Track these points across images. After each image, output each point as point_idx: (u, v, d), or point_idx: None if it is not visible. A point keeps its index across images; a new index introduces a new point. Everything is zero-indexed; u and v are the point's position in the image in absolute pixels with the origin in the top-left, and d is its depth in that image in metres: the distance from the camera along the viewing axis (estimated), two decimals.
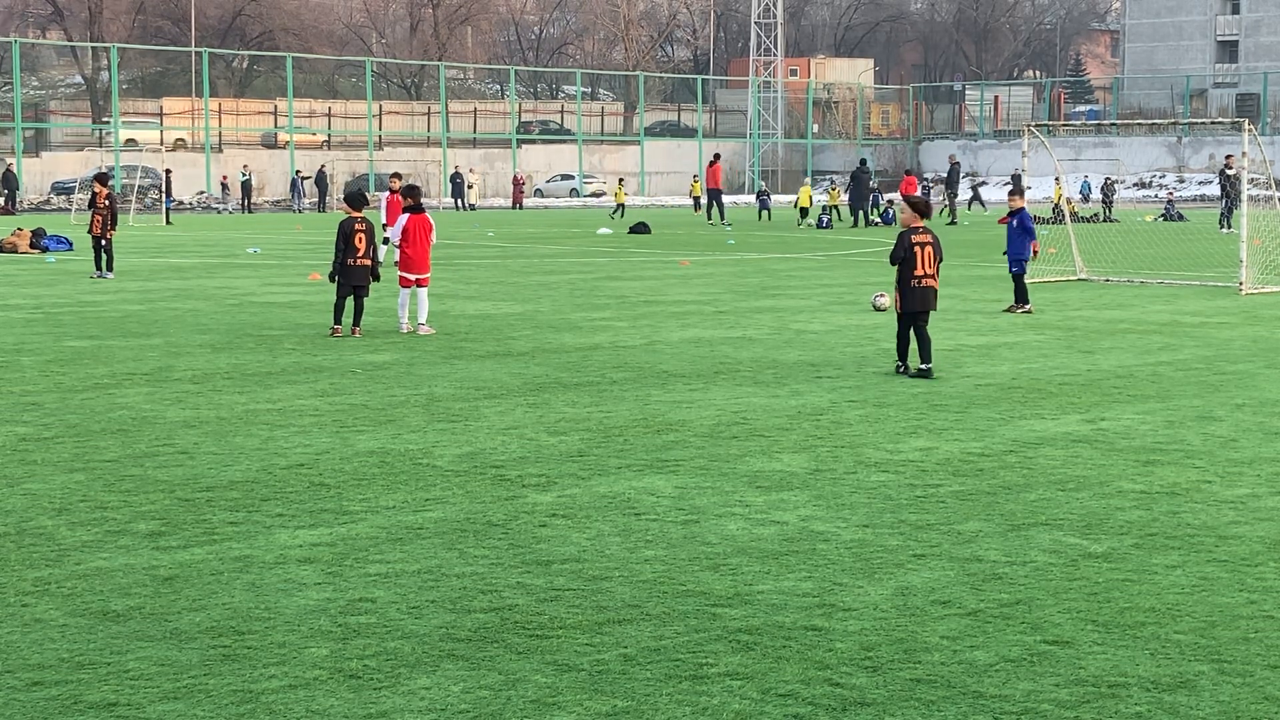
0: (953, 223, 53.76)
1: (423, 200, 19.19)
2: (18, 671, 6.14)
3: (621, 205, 64.76)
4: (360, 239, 18.17)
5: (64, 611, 6.95)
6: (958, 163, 61.22)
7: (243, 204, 70.34)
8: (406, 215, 18.77)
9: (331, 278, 18.33)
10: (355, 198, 18.81)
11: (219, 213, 69.63)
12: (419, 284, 18.61)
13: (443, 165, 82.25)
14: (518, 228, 53.39)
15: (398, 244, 18.94)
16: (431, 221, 18.83)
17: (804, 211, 55.95)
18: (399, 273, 18.83)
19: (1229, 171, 48.13)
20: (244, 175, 71.79)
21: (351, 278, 18.19)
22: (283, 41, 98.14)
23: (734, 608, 7.03)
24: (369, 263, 18.28)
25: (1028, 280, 22.11)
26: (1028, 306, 21.57)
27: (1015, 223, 21.67)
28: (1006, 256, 21.97)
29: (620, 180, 73.74)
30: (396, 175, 29.98)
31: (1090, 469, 10.28)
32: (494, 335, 18.51)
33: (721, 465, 10.39)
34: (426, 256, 18.69)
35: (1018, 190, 22.44)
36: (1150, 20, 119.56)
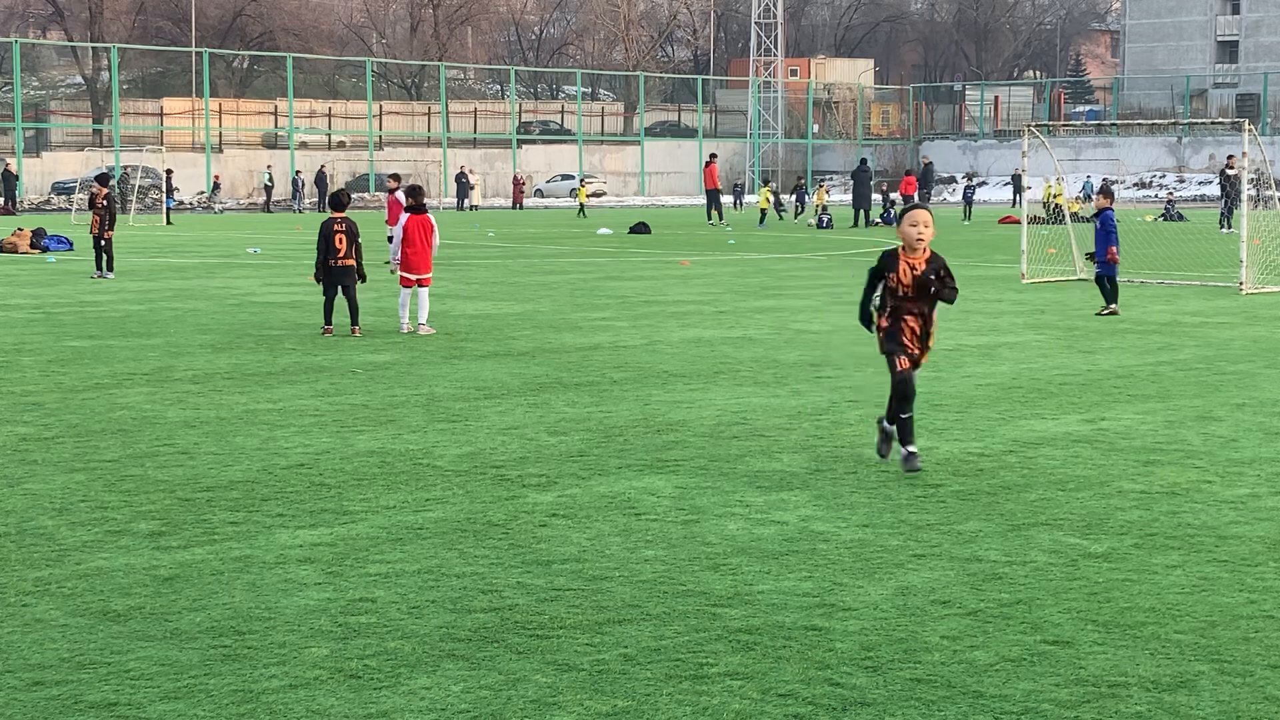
0: None
1: (423, 200, 19.22)
2: (18, 671, 6.14)
3: (582, 206, 65.42)
4: (340, 239, 18.32)
5: (64, 611, 6.95)
6: (930, 162, 61.62)
7: (265, 204, 71.52)
8: (407, 215, 18.85)
9: (316, 278, 18.53)
10: (336, 198, 19.02)
11: (218, 212, 69.64)
12: (420, 284, 18.64)
13: (443, 165, 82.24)
14: (518, 228, 53.39)
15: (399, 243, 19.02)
16: (433, 222, 18.88)
17: (763, 214, 55.98)
18: (400, 273, 18.90)
19: (1229, 172, 48.16)
20: (268, 178, 72.53)
21: (335, 278, 18.35)
22: (283, 41, 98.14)
23: (734, 608, 7.03)
24: (352, 262, 18.38)
25: (1030, 280, 22.05)
26: (1113, 307, 21.11)
27: (1099, 224, 21.49)
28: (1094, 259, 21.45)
29: (582, 180, 74.58)
30: (395, 176, 30.07)
31: (1090, 469, 10.28)
32: (494, 335, 18.52)
33: (721, 465, 10.39)
34: (427, 257, 18.72)
35: (1104, 191, 22.23)
36: (1150, 20, 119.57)
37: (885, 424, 10.29)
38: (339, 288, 18.38)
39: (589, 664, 6.23)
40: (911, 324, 10.11)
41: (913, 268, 10.02)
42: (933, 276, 10.03)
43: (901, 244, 10.08)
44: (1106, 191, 22.22)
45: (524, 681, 6.02)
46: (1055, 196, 49.89)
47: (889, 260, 10.14)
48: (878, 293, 10.30)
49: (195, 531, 8.46)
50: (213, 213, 68.63)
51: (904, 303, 10.07)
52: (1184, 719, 5.67)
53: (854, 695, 5.88)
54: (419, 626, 6.73)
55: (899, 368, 10.05)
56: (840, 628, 6.72)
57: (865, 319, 10.40)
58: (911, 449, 10.07)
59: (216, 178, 72.92)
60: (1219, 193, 53.64)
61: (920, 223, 10.02)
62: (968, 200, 62.14)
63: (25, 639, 6.55)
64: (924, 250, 10.06)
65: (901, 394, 10.00)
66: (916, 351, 10.14)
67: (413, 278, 18.68)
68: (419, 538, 8.33)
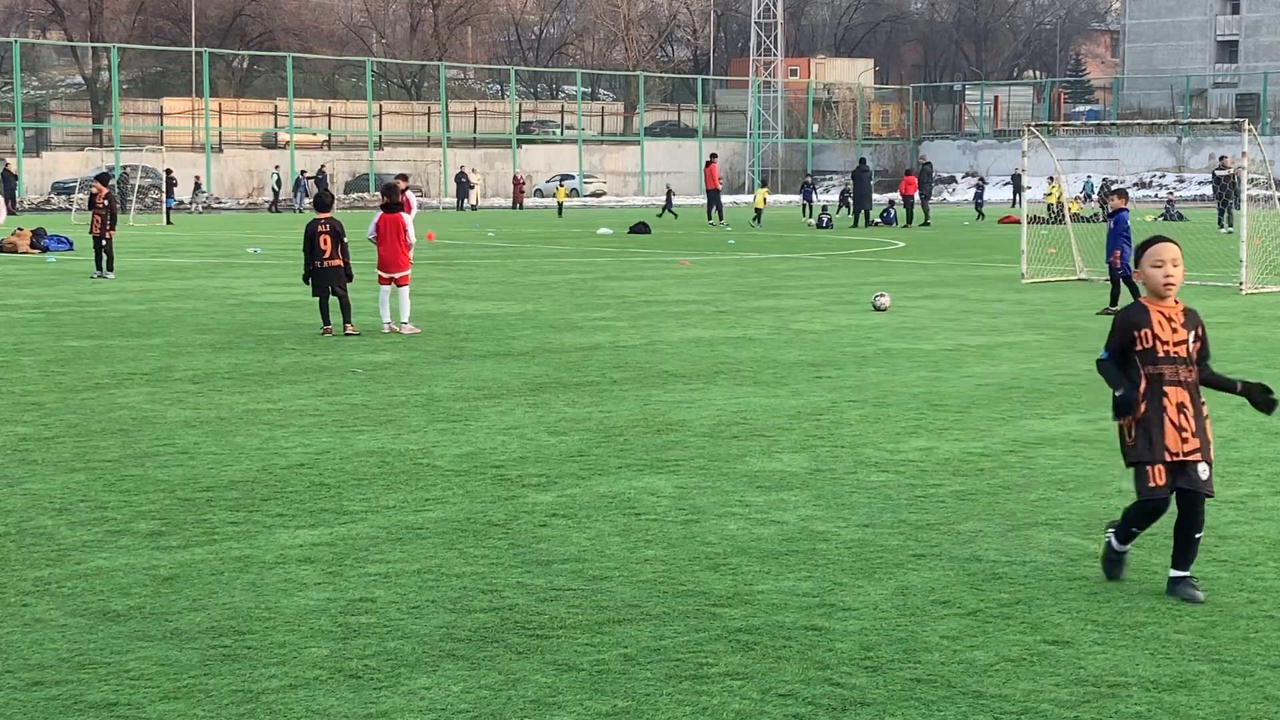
0: (926, 224, 53.83)
1: (421, 200, 19.26)
2: (18, 671, 6.14)
3: (561, 204, 66.27)
4: (325, 240, 18.39)
5: (64, 611, 6.95)
6: (928, 162, 62.01)
7: (272, 204, 72.05)
8: (379, 214, 18.99)
9: (305, 280, 18.61)
10: (320, 200, 19.10)
11: (194, 212, 69.36)
12: (397, 283, 18.70)
13: (443, 165, 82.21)
14: (518, 228, 53.38)
15: (370, 240, 19.10)
16: (405, 221, 18.90)
17: (758, 213, 56.05)
18: (377, 271, 19.01)
19: (1220, 173, 48.18)
20: (275, 180, 72.88)
21: (322, 279, 18.42)
22: (283, 41, 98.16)
23: (734, 608, 7.03)
24: (338, 263, 18.43)
25: (1030, 280, 22.02)
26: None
27: (1112, 224, 21.42)
28: (1119, 260, 21.16)
29: (560, 179, 75.52)
30: (403, 176, 30.14)
31: (1090, 469, 10.28)
32: (494, 335, 18.52)
33: (721, 465, 10.39)
34: (401, 255, 18.76)
35: (1120, 192, 22.14)
36: (1150, 20, 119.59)
37: (1114, 541, 7.53)
38: (329, 288, 18.44)
39: (589, 664, 6.23)
40: (1178, 399, 7.19)
41: (1169, 319, 7.32)
42: (1195, 338, 7.34)
43: (1145, 292, 7.44)
44: (1122, 193, 22.14)
45: (524, 681, 6.02)
46: (1049, 196, 49.98)
47: (1134, 316, 7.33)
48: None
49: (195, 531, 8.46)
50: (192, 213, 68.43)
51: (1165, 367, 7.22)
52: (1184, 719, 5.67)
53: (854, 695, 5.88)
54: (419, 626, 6.73)
55: (1150, 484, 7.18)
56: (840, 628, 6.72)
57: (1123, 404, 7.24)
58: (1181, 574, 7.23)
59: (197, 178, 73.02)
60: (1211, 194, 53.68)
61: (1169, 260, 7.34)
62: (978, 201, 63.02)
63: (25, 639, 6.55)
64: (1174, 299, 7.41)
65: (1146, 514, 7.32)
66: (1192, 444, 7.16)
67: (387, 276, 18.75)
68: (419, 538, 8.33)
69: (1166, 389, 7.19)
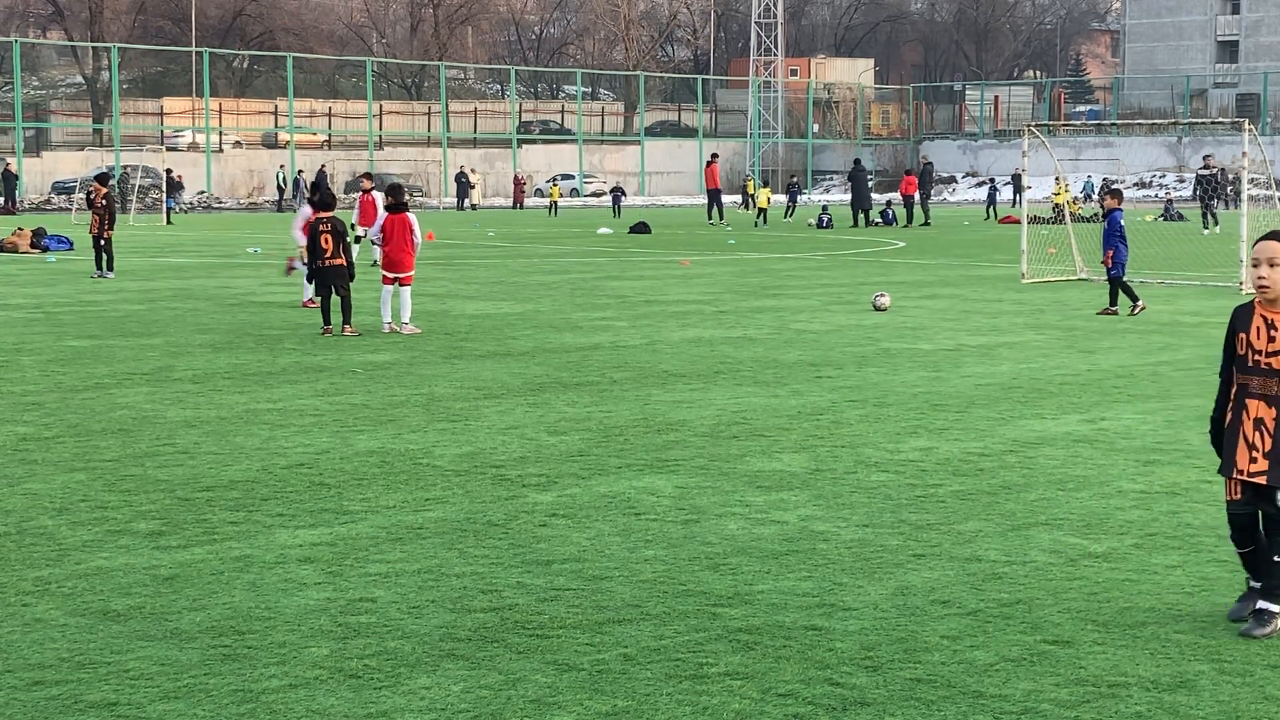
0: (926, 224, 53.85)
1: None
2: (18, 671, 6.14)
3: (554, 203, 66.86)
4: (326, 239, 18.39)
5: (64, 611, 6.95)
6: (929, 162, 62.26)
7: (277, 203, 72.73)
8: (385, 214, 18.99)
9: (308, 280, 18.71)
10: (322, 199, 19.15)
11: (184, 211, 69.10)
12: (400, 283, 18.71)
13: (443, 165, 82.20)
14: (518, 227, 53.38)
15: (374, 241, 19.08)
16: (412, 221, 18.88)
17: (762, 213, 56.06)
18: (381, 270, 19.02)
19: (1203, 172, 48.03)
20: (280, 180, 73.02)
21: (324, 278, 18.42)
22: (283, 41, 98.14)
23: (734, 608, 7.03)
24: (341, 262, 18.43)
25: (1030, 280, 22.00)
26: (1140, 304, 20.90)
27: (1106, 225, 21.40)
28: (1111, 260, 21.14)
29: (554, 180, 76.36)
30: (367, 175, 30.18)
31: (1090, 469, 10.28)
32: (494, 335, 18.52)
33: (721, 465, 10.39)
34: (407, 255, 18.77)
35: (1114, 192, 22.06)
36: (1150, 20, 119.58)
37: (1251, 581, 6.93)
38: (331, 288, 18.43)
39: (589, 664, 6.23)
40: (1258, 414, 6.65)
41: (1271, 326, 6.65)
42: None
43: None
44: (1116, 193, 22.10)
45: (524, 681, 6.02)
46: (1057, 195, 49.95)
47: (1237, 318, 6.79)
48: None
49: (195, 531, 8.47)
50: (176, 212, 68.05)
51: (1252, 378, 6.68)
52: (1184, 719, 5.67)
53: (854, 695, 5.88)
54: (419, 626, 6.73)
55: (1228, 496, 6.79)
56: (840, 628, 6.72)
57: (1219, 436, 6.87)
58: (1264, 606, 6.70)
59: (180, 177, 72.92)
60: (1191, 194, 53.53)
61: (1265, 259, 6.63)
62: (991, 201, 63.40)
63: (25, 639, 6.55)
64: None
65: (1232, 528, 6.82)
66: (1260, 465, 6.63)
67: (392, 276, 18.77)
68: (419, 538, 8.33)
69: (1249, 401, 6.66)
